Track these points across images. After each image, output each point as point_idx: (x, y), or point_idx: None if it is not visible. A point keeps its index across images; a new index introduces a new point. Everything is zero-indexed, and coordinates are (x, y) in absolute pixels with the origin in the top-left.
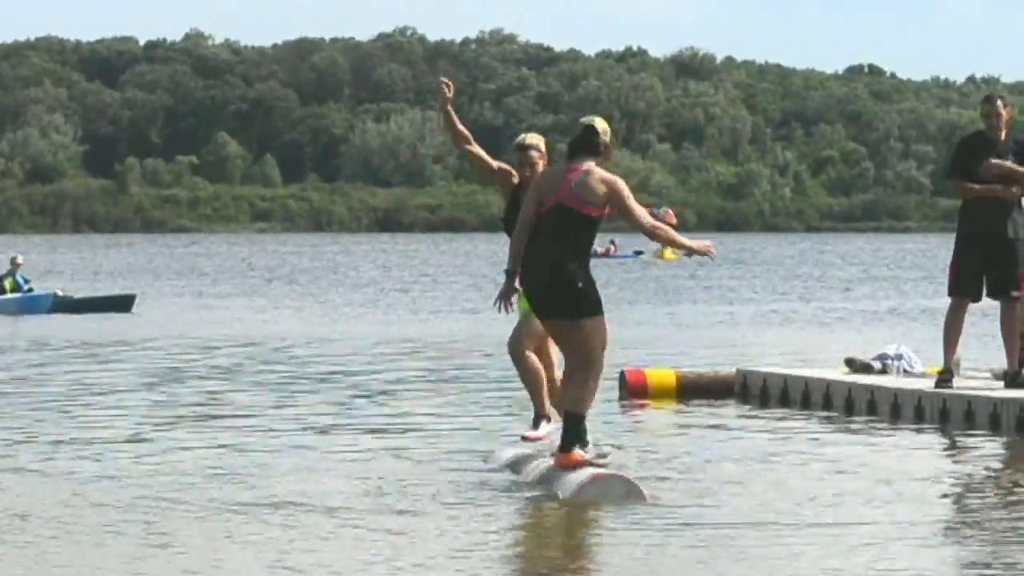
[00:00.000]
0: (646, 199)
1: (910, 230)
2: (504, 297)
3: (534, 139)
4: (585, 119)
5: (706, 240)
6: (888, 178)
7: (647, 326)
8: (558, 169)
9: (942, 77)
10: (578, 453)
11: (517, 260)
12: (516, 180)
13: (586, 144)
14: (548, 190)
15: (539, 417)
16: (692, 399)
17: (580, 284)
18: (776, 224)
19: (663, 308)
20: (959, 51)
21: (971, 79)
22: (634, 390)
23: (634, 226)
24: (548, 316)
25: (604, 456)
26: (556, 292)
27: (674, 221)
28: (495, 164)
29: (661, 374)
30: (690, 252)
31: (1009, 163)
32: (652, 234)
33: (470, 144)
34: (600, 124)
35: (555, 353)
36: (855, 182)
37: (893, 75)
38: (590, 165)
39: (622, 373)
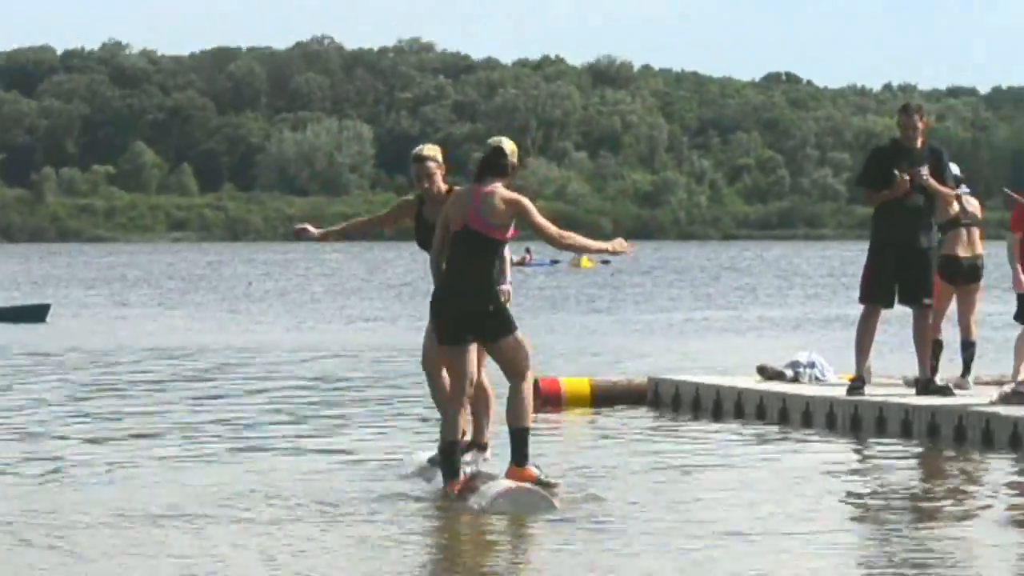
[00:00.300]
0: (562, 207)
1: (826, 238)
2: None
3: (430, 151)
4: (492, 140)
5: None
6: (804, 186)
7: (561, 334)
8: (465, 192)
9: (859, 84)
10: (532, 470)
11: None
12: (414, 199)
13: (494, 165)
14: (455, 213)
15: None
16: (606, 407)
17: (491, 307)
18: (692, 232)
19: (578, 317)
20: (876, 59)
21: (888, 87)
22: (548, 398)
23: (544, 238)
24: (461, 342)
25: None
26: (470, 317)
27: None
28: (387, 212)
29: (575, 382)
30: (606, 253)
31: (931, 180)
32: (561, 243)
33: (364, 224)
34: (508, 145)
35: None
36: (771, 189)
37: (810, 83)
38: (496, 186)
39: (535, 381)
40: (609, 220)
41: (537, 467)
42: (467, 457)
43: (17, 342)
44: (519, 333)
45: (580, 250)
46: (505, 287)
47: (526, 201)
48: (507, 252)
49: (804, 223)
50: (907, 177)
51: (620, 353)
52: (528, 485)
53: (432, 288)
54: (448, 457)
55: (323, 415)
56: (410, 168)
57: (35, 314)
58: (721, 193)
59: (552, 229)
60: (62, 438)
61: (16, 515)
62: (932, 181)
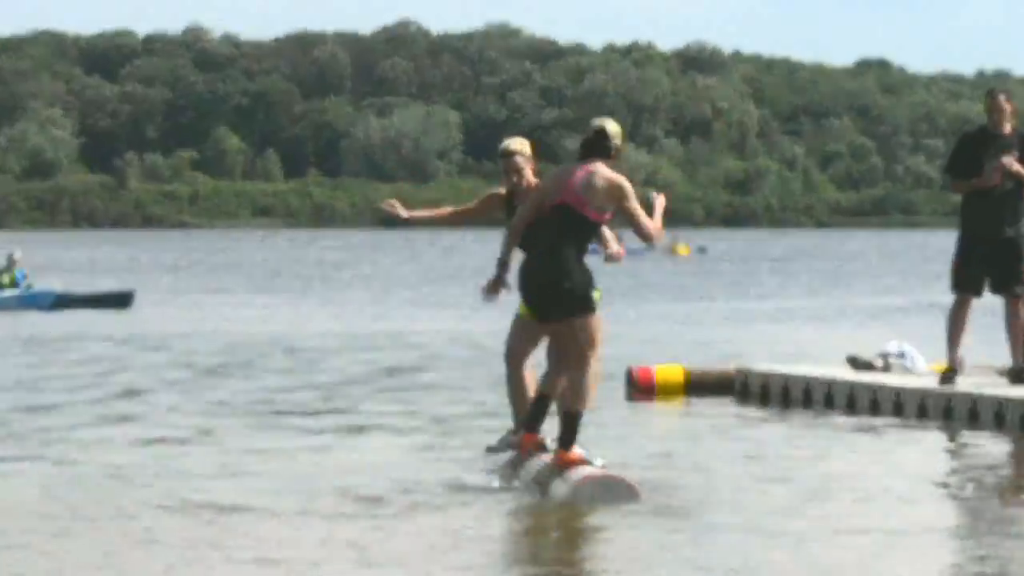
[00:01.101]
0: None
1: (920, 225)
2: (493, 287)
3: (518, 145)
4: (596, 121)
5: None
6: (898, 172)
7: (655, 321)
8: (565, 168)
9: (952, 71)
10: (577, 452)
11: (510, 250)
12: (503, 191)
13: (596, 146)
14: (552, 189)
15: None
16: (699, 396)
17: (576, 284)
18: (785, 219)
19: (669, 304)
20: (969, 45)
21: (981, 73)
22: (641, 387)
23: (635, 228)
24: (546, 317)
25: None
26: (553, 292)
27: (662, 204)
28: (476, 203)
29: (668, 370)
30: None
31: (1017, 166)
32: (651, 239)
33: (452, 214)
34: (612, 127)
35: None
36: (864, 176)
37: (902, 69)
38: (598, 165)
39: (629, 370)
40: (701, 207)
41: (585, 450)
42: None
43: (103, 328)
44: (596, 317)
45: (664, 248)
46: (616, 249)
47: (629, 187)
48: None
49: (898, 210)
50: (1005, 166)
51: (711, 341)
52: (611, 473)
53: (497, 257)
54: (571, 424)
55: (408, 402)
56: (498, 161)
57: (120, 300)
58: (813, 180)
59: (647, 223)
60: (141, 422)
61: (90, 504)
62: (1020, 168)
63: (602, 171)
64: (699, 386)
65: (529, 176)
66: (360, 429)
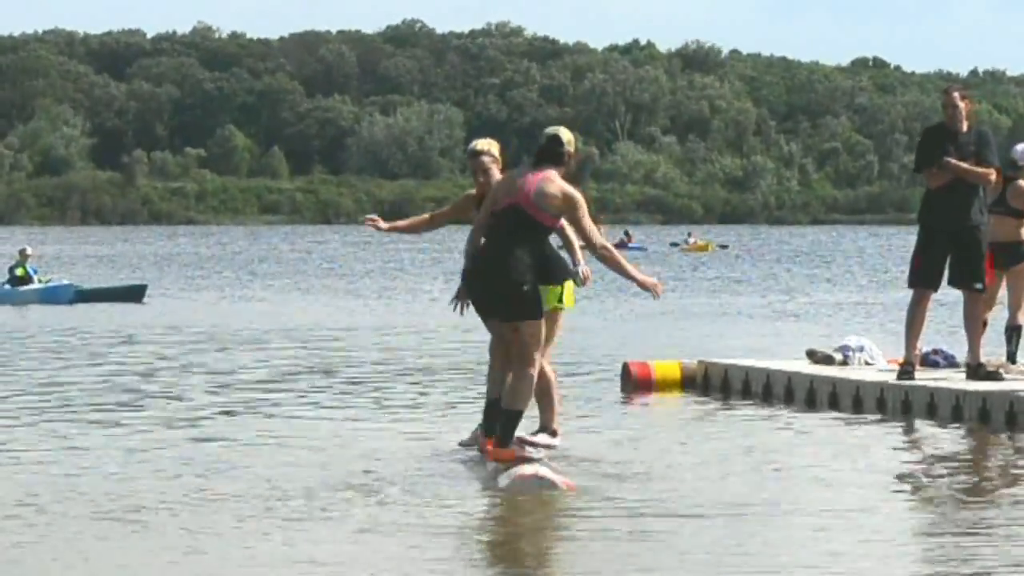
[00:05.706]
0: (652, 191)
1: (915, 222)
2: (461, 297)
3: (484, 145)
4: (549, 129)
5: (655, 278)
6: (893, 170)
7: (649, 319)
8: (518, 173)
9: (946, 70)
10: (513, 450)
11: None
12: (475, 192)
13: (550, 153)
14: (505, 192)
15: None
16: (695, 392)
17: (525, 287)
18: (782, 217)
19: (668, 301)
20: (963, 44)
21: (975, 72)
22: (639, 383)
23: (584, 241)
24: (489, 315)
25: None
26: (499, 292)
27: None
28: (451, 207)
29: (666, 366)
30: (634, 282)
31: (963, 164)
32: (600, 255)
33: (431, 221)
34: (565, 134)
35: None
36: (860, 174)
37: (898, 68)
38: (551, 173)
39: (625, 365)
40: (699, 204)
41: (520, 443)
42: (538, 439)
43: (115, 321)
44: (541, 322)
45: (614, 269)
46: (583, 268)
47: (581, 200)
48: (574, 236)
49: (893, 207)
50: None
51: (697, 336)
52: (543, 473)
53: (462, 269)
54: (509, 422)
55: (377, 396)
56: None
57: (133, 294)
58: (810, 178)
59: (596, 237)
60: (152, 416)
61: (95, 495)
62: (956, 163)
63: (556, 181)
64: (695, 382)
65: (496, 175)
66: (340, 423)
